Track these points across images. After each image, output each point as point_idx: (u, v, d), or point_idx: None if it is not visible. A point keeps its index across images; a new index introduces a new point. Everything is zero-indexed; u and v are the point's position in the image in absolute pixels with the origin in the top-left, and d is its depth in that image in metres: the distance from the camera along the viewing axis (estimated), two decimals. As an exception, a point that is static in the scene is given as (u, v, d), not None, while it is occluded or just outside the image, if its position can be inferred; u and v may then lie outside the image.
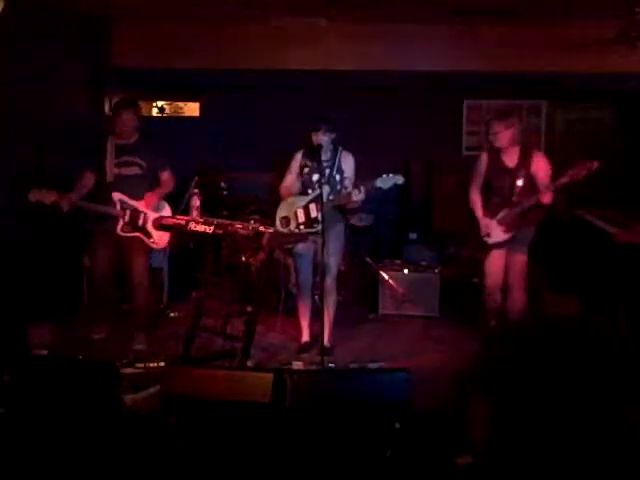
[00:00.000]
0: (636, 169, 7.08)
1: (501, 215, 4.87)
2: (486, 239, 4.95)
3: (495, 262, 4.97)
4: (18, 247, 5.20)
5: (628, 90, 6.98)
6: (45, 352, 4.69)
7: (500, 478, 2.24)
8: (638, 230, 4.88)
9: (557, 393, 2.16)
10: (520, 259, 4.90)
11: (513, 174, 4.82)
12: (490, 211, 4.94)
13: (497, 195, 4.92)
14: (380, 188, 4.74)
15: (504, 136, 4.80)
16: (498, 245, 4.93)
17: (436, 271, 6.23)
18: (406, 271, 6.24)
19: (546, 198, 4.66)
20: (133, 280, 4.95)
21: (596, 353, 2.18)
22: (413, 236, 7.16)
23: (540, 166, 4.78)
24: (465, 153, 7.66)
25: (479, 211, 4.98)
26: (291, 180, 5.07)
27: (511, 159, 4.86)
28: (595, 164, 4.48)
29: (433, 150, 7.52)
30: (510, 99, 7.62)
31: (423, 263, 6.42)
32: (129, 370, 4.57)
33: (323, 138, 4.87)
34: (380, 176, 4.73)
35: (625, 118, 7.60)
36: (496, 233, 4.90)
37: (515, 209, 4.79)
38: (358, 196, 4.74)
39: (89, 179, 4.84)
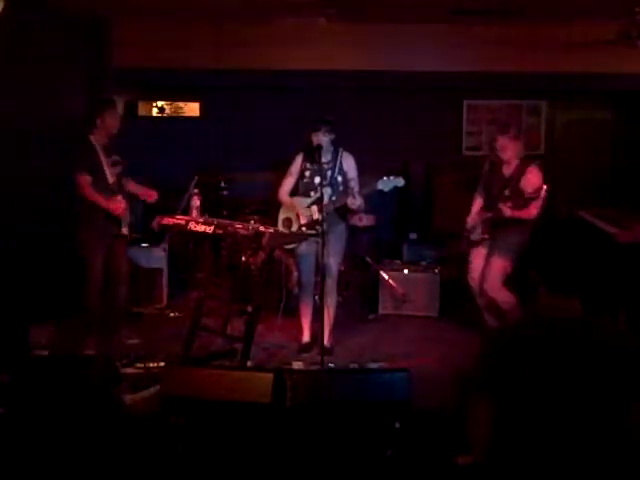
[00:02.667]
0: (636, 169, 7.07)
1: (484, 217, 5.06)
2: (468, 235, 5.16)
3: (474, 260, 5.18)
4: (18, 247, 5.19)
5: (628, 90, 6.98)
6: (45, 352, 4.71)
7: (500, 478, 2.24)
8: (638, 230, 4.90)
9: (558, 393, 2.16)
10: (495, 263, 4.98)
11: (505, 183, 4.99)
12: (482, 212, 5.13)
13: (489, 200, 5.09)
14: (381, 191, 4.75)
15: (510, 149, 4.96)
16: (475, 244, 5.14)
17: (436, 271, 6.24)
18: (406, 271, 6.25)
19: (506, 213, 4.78)
20: (120, 280, 4.82)
21: (598, 352, 2.17)
22: (413, 236, 7.15)
23: (529, 179, 4.89)
24: (465, 153, 7.64)
25: (473, 209, 5.19)
26: (290, 183, 5.07)
27: (509, 170, 5.03)
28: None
29: (433, 150, 7.50)
30: (510, 99, 7.62)
31: (423, 263, 6.43)
32: (129, 370, 4.57)
33: (323, 138, 4.87)
34: (381, 178, 4.73)
35: (625, 118, 7.59)
36: (476, 232, 5.12)
37: (492, 216, 4.96)
38: (355, 203, 4.75)
39: (87, 181, 4.68)
